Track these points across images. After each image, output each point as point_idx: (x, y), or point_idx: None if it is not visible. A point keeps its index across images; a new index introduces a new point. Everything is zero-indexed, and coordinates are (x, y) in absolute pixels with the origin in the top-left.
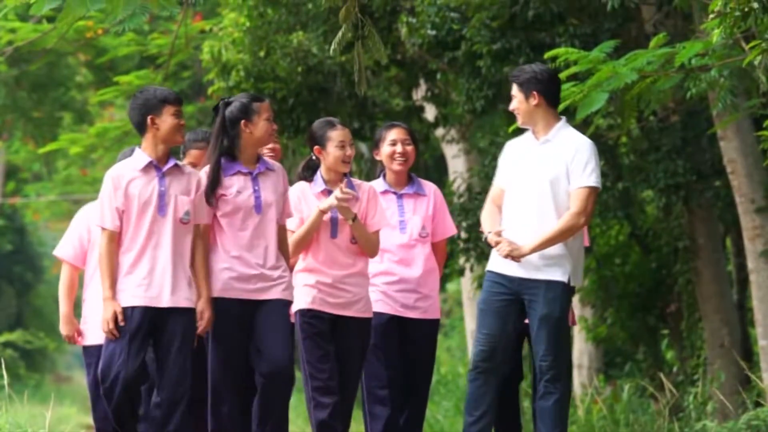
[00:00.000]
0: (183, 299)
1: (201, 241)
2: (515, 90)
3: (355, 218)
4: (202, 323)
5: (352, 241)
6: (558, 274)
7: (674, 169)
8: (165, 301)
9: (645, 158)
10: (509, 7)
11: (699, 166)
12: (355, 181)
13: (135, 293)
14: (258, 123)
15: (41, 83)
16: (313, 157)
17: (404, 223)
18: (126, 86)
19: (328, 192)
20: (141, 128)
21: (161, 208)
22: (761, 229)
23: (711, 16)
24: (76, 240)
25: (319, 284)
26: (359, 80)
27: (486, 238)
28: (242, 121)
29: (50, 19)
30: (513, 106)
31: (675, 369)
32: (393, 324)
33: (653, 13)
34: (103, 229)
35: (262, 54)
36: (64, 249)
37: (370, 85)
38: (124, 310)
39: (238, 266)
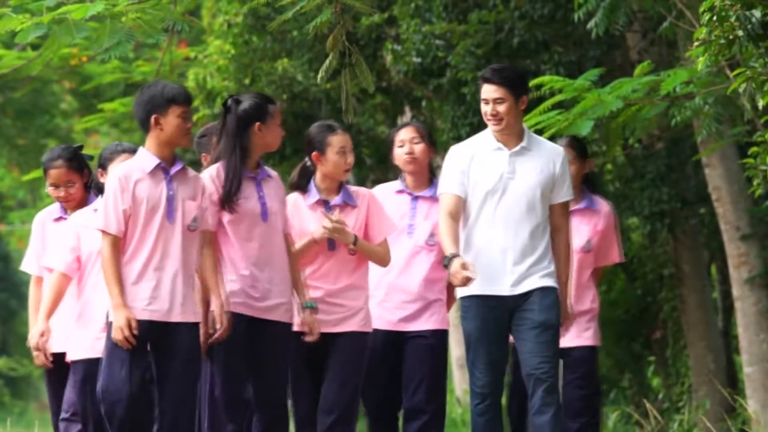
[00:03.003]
0: (192, 313)
1: (208, 248)
2: (503, 93)
3: (356, 241)
4: (221, 329)
5: (351, 253)
6: (550, 281)
7: (659, 196)
8: (174, 315)
9: (630, 185)
10: (494, 35)
11: (684, 194)
12: (352, 188)
13: (139, 306)
14: (271, 127)
15: (26, 110)
16: (308, 164)
17: (413, 228)
18: (110, 113)
19: (323, 202)
20: (145, 126)
21: (170, 213)
22: (746, 257)
23: (696, 43)
24: (67, 249)
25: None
26: (346, 108)
27: (449, 262)
28: (257, 123)
29: (35, 47)
30: (500, 110)
31: (660, 396)
32: (390, 340)
33: (638, 41)
34: (106, 233)
35: (247, 81)
36: (53, 259)
37: (356, 112)
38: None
39: (246, 281)
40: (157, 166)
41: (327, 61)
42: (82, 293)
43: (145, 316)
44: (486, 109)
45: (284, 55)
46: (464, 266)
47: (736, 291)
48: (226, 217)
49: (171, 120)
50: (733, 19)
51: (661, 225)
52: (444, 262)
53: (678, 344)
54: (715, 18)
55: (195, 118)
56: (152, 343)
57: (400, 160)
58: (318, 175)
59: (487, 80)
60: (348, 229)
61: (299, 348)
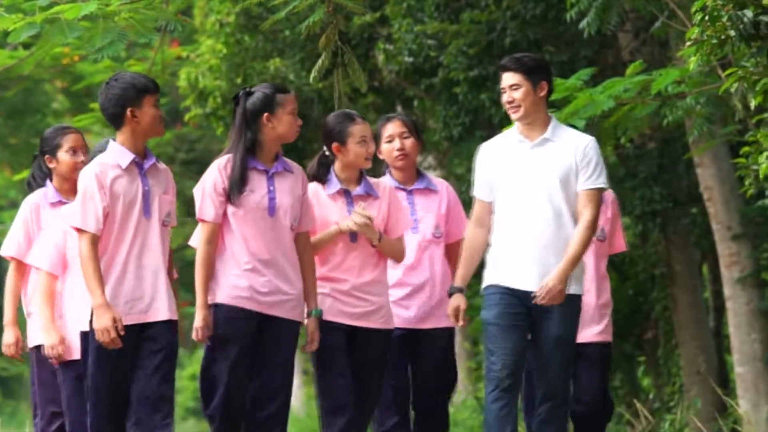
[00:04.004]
0: (173, 310)
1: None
2: (519, 79)
3: (380, 238)
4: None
5: (374, 244)
6: (573, 287)
7: (651, 196)
8: (158, 314)
9: (622, 185)
10: (486, 35)
11: (675, 193)
12: (373, 180)
13: (123, 309)
14: (282, 117)
15: (17, 110)
16: (326, 153)
17: (416, 222)
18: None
19: (344, 192)
20: (117, 121)
21: (146, 209)
22: (738, 256)
23: (688, 43)
24: (52, 247)
25: (335, 292)
26: (338, 107)
27: (451, 295)
28: (265, 115)
29: (26, 46)
30: (516, 96)
31: (651, 396)
32: (404, 338)
33: (630, 41)
34: (83, 231)
35: (239, 80)
36: (38, 257)
37: None
38: None
39: (251, 275)
40: (132, 162)
41: (319, 61)
42: (72, 292)
43: (127, 320)
44: (504, 97)
45: (276, 54)
46: (458, 310)
47: (727, 291)
48: (231, 209)
49: (147, 110)
50: (725, 19)
51: (653, 225)
52: (449, 291)
53: (669, 344)
54: (707, 18)
55: (186, 117)
56: (136, 344)
57: (390, 156)
58: (338, 165)
59: (504, 68)
60: (374, 226)
61: (326, 337)
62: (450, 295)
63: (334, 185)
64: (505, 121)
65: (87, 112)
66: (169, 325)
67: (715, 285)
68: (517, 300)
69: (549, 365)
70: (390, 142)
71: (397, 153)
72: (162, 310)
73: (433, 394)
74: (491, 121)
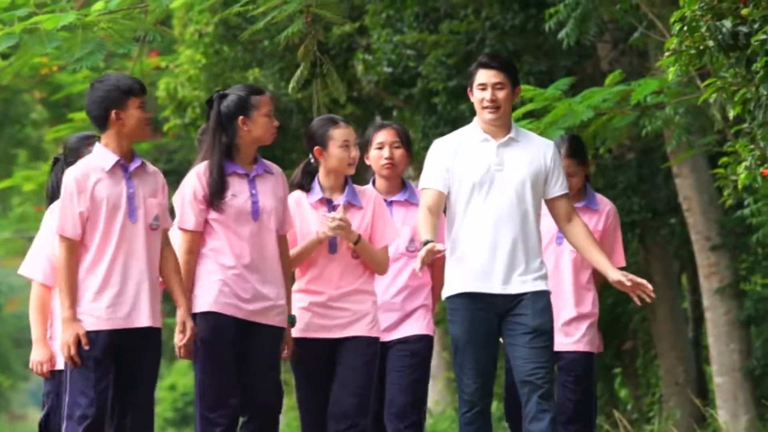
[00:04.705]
0: (158, 318)
1: (169, 247)
2: (503, 78)
3: (358, 240)
4: (185, 336)
5: (354, 256)
6: (542, 285)
7: (630, 206)
8: (141, 321)
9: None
10: (465, 45)
11: (654, 204)
12: (359, 187)
13: (104, 314)
14: (257, 120)
15: None
16: (312, 161)
17: None
18: (81, 123)
19: (326, 201)
20: (102, 123)
21: (131, 212)
22: (716, 267)
23: (666, 54)
24: (43, 257)
25: (313, 306)
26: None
27: (422, 246)
28: (239, 118)
29: (5, 56)
30: (500, 96)
31: (630, 407)
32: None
33: (609, 51)
34: (63, 237)
35: (218, 91)
36: (30, 268)
37: None
38: (88, 334)
39: (235, 282)
40: (116, 164)
41: (298, 71)
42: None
43: (107, 325)
44: (483, 95)
45: (255, 64)
46: (432, 251)
47: (706, 301)
48: (213, 215)
49: (132, 113)
50: (703, 30)
51: (632, 235)
52: (419, 247)
53: (648, 354)
54: (685, 28)
55: (166, 127)
56: (116, 351)
57: (377, 164)
58: (321, 172)
59: (486, 65)
60: (351, 228)
61: (307, 353)
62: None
63: (317, 193)
64: None
65: (66, 122)
66: (153, 332)
67: (694, 295)
68: (484, 312)
69: (531, 355)
70: (379, 149)
71: (385, 162)
72: (144, 317)
73: (404, 403)
74: None
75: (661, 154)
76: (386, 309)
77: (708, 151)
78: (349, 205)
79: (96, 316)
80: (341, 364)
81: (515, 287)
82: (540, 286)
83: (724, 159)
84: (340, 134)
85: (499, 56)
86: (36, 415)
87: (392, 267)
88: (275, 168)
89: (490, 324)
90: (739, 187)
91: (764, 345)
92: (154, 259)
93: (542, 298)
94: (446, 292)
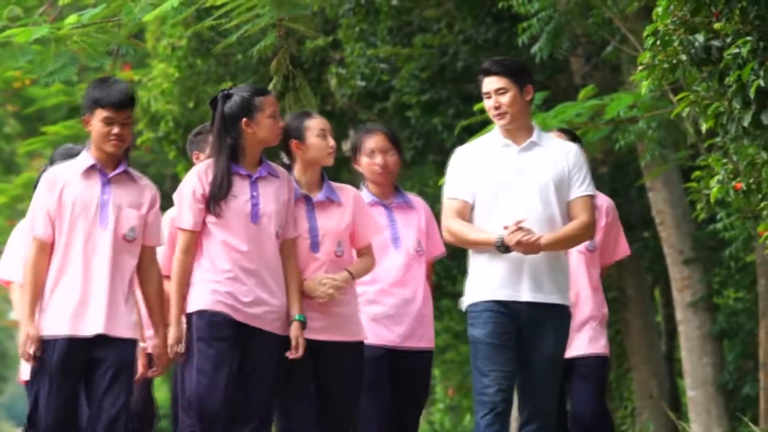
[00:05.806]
0: (122, 327)
1: (154, 267)
2: (505, 82)
3: (352, 275)
4: (157, 369)
5: (338, 254)
6: (564, 297)
7: None
8: (98, 328)
9: None
10: (438, 59)
11: (628, 217)
12: (336, 185)
13: (61, 320)
14: (262, 121)
15: None
16: (285, 160)
17: (398, 239)
18: (53, 136)
19: (304, 198)
20: (86, 127)
21: (102, 219)
22: (689, 280)
23: (639, 68)
24: (20, 259)
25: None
26: None
27: (502, 244)
28: (243, 120)
29: None
30: (503, 101)
31: None
32: (386, 358)
33: (582, 65)
34: (33, 237)
35: (191, 104)
36: (7, 270)
37: None
38: (46, 342)
39: (231, 285)
40: (92, 168)
41: (271, 85)
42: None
43: (64, 331)
44: (488, 103)
45: (228, 78)
46: (518, 227)
47: (679, 314)
48: (211, 217)
49: (95, 123)
50: (676, 44)
51: None
52: (500, 249)
53: (622, 367)
54: (658, 42)
55: (139, 141)
56: (80, 364)
57: (370, 170)
58: (298, 167)
59: (487, 72)
60: (341, 279)
61: (296, 360)
62: (504, 249)
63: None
64: (458, 145)
65: (38, 136)
66: (116, 342)
67: (667, 309)
68: (508, 318)
69: (539, 384)
70: (371, 156)
71: (379, 169)
72: (97, 324)
73: (408, 416)
74: (443, 145)
75: (635, 168)
76: (400, 316)
77: (681, 165)
78: (329, 202)
79: (53, 319)
80: (328, 372)
81: (540, 297)
82: (561, 298)
83: (697, 173)
84: (316, 123)
85: (501, 60)
86: (9, 429)
87: (404, 272)
88: (281, 171)
89: (511, 329)
90: (712, 201)
91: (737, 359)
92: (122, 268)
93: (564, 316)
94: (469, 300)
